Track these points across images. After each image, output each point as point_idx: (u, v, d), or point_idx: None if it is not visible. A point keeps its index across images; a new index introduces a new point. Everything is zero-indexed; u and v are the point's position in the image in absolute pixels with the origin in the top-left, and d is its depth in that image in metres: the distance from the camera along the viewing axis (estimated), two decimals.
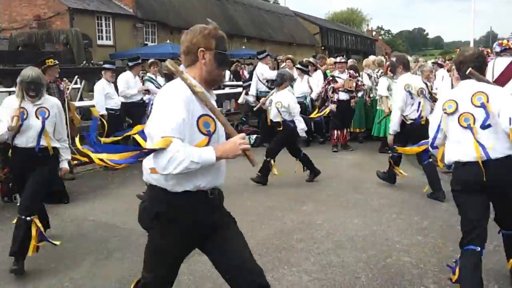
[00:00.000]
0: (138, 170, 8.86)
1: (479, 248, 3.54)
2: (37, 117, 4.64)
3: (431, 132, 3.97)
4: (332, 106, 10.24)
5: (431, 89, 9.83)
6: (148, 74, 10.25)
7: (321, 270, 4.39)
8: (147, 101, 9.36)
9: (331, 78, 10.56)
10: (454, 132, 3.74)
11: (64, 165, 4.92)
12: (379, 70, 11.53)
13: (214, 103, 2.71)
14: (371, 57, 14.03)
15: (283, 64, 11.86)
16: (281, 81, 7.68)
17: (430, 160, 6.69)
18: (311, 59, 12.40)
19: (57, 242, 4.74)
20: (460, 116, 3.69)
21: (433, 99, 7.01)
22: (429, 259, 4.65)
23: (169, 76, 6.19)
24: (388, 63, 11.00)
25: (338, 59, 10.67)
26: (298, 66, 11.20)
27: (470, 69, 3.72)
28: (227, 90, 14.50)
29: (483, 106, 3.63)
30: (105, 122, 8.36)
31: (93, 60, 17.93)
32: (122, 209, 6.33)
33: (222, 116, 2.70)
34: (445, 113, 3.75)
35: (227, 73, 17.82)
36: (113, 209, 6.38)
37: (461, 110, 3.69)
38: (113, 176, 8.15)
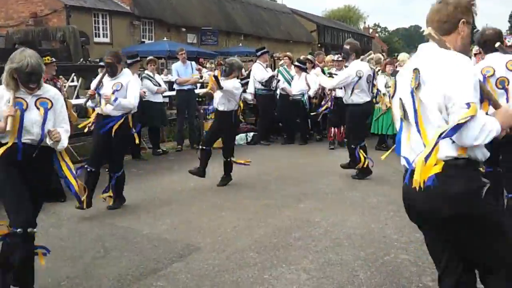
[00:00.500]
0: (136, 168, 8.87)
1: None
2: (37, 108, 3.88)
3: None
4: (329, 104, 10.25)
5: None
6: (146, 71, 10.22)
7: (319, 268, 4.38)
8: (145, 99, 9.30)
9: (328, 75, 10.54)
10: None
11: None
12: (376, 67, 11.51)
13: None
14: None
15: (281, 62, 11.84)
16: (230, 70, 7.35)
17: None
18: (309, 56, 12.39)
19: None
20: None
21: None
22: (427, 257, 4.61)
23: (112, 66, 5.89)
24: (386, 60, 11.02)
25: (336, 57, 10.64)
26: (296, 63, 11.19)
27: (498, 43, 4.65)
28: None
29: None
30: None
31: (90, 57, 17.88)
32: (119, 207, 6.32)
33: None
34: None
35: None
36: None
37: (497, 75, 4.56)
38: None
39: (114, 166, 6.31)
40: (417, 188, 2.39)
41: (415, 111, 2.50)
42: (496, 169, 4.69)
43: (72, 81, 12.26)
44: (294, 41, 40.71)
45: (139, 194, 6.96)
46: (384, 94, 9.70)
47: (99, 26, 24.40)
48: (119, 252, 4.87)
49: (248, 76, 11.76)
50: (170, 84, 12.00)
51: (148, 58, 10.53)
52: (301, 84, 10.92)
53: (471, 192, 2.40)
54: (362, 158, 7.60)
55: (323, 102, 10.50)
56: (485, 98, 2.53)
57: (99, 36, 24.40)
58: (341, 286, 4.06)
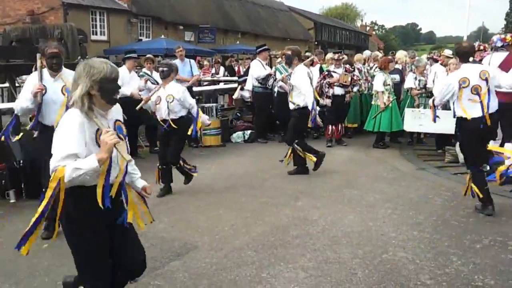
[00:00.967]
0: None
1: None
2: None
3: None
4: (327, 101, 10.25)
5: (426, 84, 9.85)
6: (144, 69, 10.18)
7: (317, 267, 4.38)
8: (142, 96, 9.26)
9: (326, 72, 10.54)
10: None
11: None
12: (374, 65, 11.52)
13: None
14: (366, 52, 14.05)
15: (279, 59, 11.82)
16: (169, 72, 6.69)
17: None
18: (308, 54, 12.39)
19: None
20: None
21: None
22: (425, 255, 4.65)
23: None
24: (382, 58, 11.02)
25: (336, 56, 10.63)
26: None
27: (472, 58, 5.78)
28: (221, 86, 14.46)
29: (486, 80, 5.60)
30: None
31: (88, 55, 17.82)
32: None
33: None
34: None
35: (221, 68, 17.79)
36: None
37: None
38: None
39: None
40: None
41: None
42: None
43: None
44: (291, 39, 40.67)
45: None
46: (383, 92, 9.70)
47: (96, 24, 24.33)
48: None
49: (246, 74, 11.75)
50: None
51: (145, 57, 10.50)
52: None
53: None
54: (290, 154, 7.81)
55: (320, 100, 10.48)
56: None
57: (96, 34, 24.34)
58: (339, 284, 4.05)
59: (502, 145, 7.32)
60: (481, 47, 10.26)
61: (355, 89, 10.78)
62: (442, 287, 4.01)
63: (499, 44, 7.08)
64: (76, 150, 2.72)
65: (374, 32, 77.51)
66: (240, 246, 4.87)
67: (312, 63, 11.56)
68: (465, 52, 5.74)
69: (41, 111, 4.99)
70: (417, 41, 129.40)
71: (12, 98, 9.04)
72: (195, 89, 11.22)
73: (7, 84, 11.01)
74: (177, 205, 6.36)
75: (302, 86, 7.52)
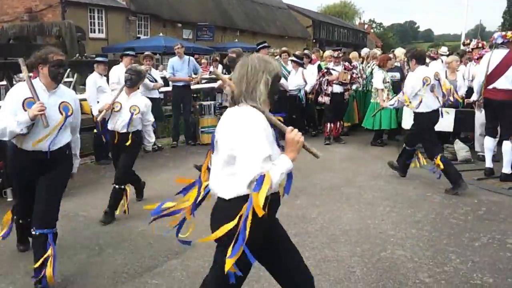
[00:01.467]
0: None
1: None
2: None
3: None
4: (326, 99, 10.23)
5: None
6: (143, 66, 10.13)
7: (316, 265, 4.36)
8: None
9: (325, 70, 10.51)
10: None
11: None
12: (373, 62, 11.50)
13: None
14: (365, 50, 14.03)
15: (277, 57, 11.79)
16: (137, 81, 5.81)
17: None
18: (306, 52, 12.37)
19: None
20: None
21: None
22: (423, 253, 4.64)
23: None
24: (380, 55, 11.00)
25: (335, 54, 10.60)
26: (293, 58, 11.14)
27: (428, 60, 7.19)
28: (219, 83, 14.40)
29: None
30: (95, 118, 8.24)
31: (86, 53, 17.79)
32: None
33: None
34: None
35: (220, 66, 17.75)
36: (105, 204, 6.28)
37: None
38: (105, 170, 8.07)
39: None
40: None
41: None
42: None
43: (68, 76, 12.18)
44: (289, 37, 40.73)
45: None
46: (382, 90, 9.67)
47: (94, 22, 24.31)
48: (114, 249, 4.84)
49: None
50: (165, 80, 11.94)
51: (144, 54, 10.45)
52: (298, 79, 10.86)
53: None
54: None
55: (319, 98, 10.47)
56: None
57: (94, 32, 24.31)
58: (338, 283, 4.04)
59: (500, 143, 7.32)
60: (480, 45, 10.27)
61: (354, 87, 10.76)
62: (440, 285, 4.00)
63: (500, 40, 7.06)
64: (270, 151, 2.49)
65: (372, 30, 77.54)
66: None
67: (310, 61, 11.56)
68: (421, 55, 6.82)
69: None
70: (415, 39, 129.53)
71: None
72: (192, 87, 11.20)
73: (4, 82, 10.99)
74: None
75: None
